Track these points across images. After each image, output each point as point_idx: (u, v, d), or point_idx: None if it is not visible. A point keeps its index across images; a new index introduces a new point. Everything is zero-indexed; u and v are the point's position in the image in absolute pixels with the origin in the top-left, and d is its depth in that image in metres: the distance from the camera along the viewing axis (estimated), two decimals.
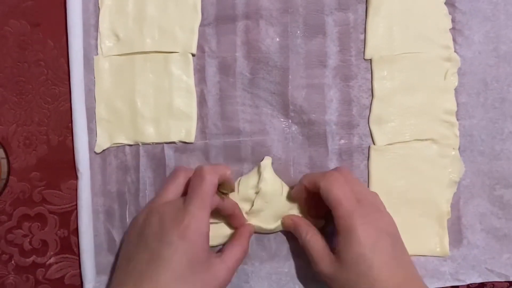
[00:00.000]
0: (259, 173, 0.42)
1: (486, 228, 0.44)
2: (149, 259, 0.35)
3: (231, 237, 0.42)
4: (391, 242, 0.37)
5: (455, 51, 0.45)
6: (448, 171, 0.44)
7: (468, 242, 0.44)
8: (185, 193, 0.39)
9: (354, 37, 0.45)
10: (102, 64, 0.44)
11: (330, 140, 0.44)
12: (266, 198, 0.41)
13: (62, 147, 0.44)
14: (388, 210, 0.43)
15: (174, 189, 0.39)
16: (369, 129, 0.44)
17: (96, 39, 0.44)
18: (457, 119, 0.44)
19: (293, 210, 0.42)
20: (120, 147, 0.44)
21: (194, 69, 0.44)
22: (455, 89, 0.45)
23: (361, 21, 0.45)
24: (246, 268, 0.44)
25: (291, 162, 0.44)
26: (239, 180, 0.43)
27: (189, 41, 0.44)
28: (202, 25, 0.44)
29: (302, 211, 0.43)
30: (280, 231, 0.44)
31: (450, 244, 0.44)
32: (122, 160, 0.44)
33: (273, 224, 0.42)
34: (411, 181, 0.44)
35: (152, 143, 0.44)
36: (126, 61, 0.44)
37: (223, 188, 0.40)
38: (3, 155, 0.44)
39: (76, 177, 0.44)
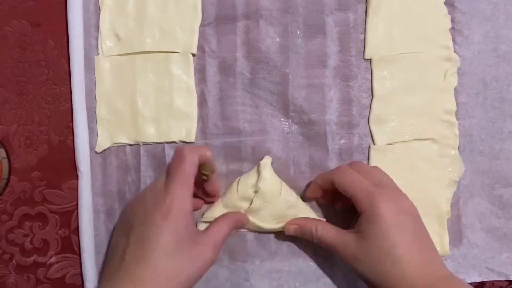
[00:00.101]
0: (259, 172, 0.42)
1: (486, 227, 0.44)
2: (136, 242, 0.36)
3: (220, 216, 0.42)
4: (413, 220, 0.38)
5: (454, 51, 0.45)
6: (448, 170, 0.44)
7: (468, 241, 0.44)
8: None
9: (354, 37, 0.45)
10: (103, 64, 0.44)
11: (330, 140, 0.44)
12: (265, 197, 0.41)
13: (63, 147, 0.44)
14: None
15: (159, 179, 0.39)
16: (369, 129, 0.45)
17: (97, 39, 0.44)
18: (457, 119, 0.45)
19: (292, 209, 0.42)
20: (121, 147, 0.44)
21: (195, 69, 0.44)
22: (455, 89, 0.45)
23: (361, 21, 0.45)
24: (246, 266, 0.44)
25: (291, 162, 0.44)
26: (239, 179, 0.43)
27: (190, 41, 0.44)
28: (202, 25, 0.44)
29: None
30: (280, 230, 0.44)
31: (450, 243, 0.44)
32: (122, 160, 0.44)
33: (272, 223, 0.43)
34: (411, 180, 0.44)
35: (153, 142, 0.44)
36: (127, 61, 0.44)
37: (204, 169, 0.40)
38: (4, 155, 0.44)
39: (76, 177, 0.44)
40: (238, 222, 0.41)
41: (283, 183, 0.43)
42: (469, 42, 0.45)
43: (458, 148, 0.45)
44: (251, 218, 0.42)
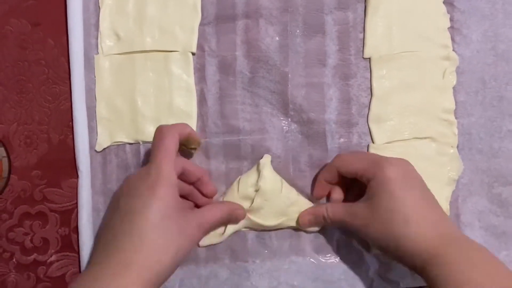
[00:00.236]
0: (259, 171, 0.42)
1: (485, 225, 0.45)
2: (123, 216, 0.36)
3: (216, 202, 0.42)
4: (419, 183, 0.38)
5: (453, 50, 0.45)
6: (447, 169, 0.44)
7: None
8: None
9: (353, 36, 0.45)
10: (103, 63, 0.44)
11: (329, 139, 0.45)
12: (265, 196, 0.42)
13: (63, 145, 0.44)
14: None
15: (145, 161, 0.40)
16: (368, 127, 0.45)
17: (97, 38, 0.45)
18: (456, 118, 0.45)
19: (293, 206, 0.43)
20: (121, 146, 0.45)
21: (194, 68, 0.44)
22: (454, 88, 0.45)
23: (360, 20, 0.45)
24: (247, 265, 0.44)
25: (290, 161, 0.45)
26: (239, 179, 0.43)
27: (189, 40, 0.44)
28: (202, 24, 0.44)
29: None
30: (281, 228, 0.44)
31: None
32: (122, 159, 0.44)
33: (273, 221, 0.43)
34: None
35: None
36: (127, 60, 0.44)
37: (189, 143, 0.41)
38: (4, 153, 0.44)
39: (76, 176, 0.44)
40: (233, 214, 0.41)
41: (283, 181, 0.43)
42: (468, 41, 0.45)
43: (457, 146, 0.45)
44: (252, 217, 0.42)
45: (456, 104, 0.45)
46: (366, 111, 0.45)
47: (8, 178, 0.44)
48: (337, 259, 0.44)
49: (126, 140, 0.44)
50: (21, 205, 0.44)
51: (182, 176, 0.40)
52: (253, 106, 0.45)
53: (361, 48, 0.45)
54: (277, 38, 0.45)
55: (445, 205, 0.44)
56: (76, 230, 0.44)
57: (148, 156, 0.44)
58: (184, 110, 0.44)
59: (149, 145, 0.44)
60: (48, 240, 0.44)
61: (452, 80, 0.45)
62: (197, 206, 0.42)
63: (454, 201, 0.45)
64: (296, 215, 0.43)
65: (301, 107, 0.44)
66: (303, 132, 0.45)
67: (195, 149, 0.42)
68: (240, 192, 0.42)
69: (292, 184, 0.44)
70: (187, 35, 0.44)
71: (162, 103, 0.44)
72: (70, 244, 0.44)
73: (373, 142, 0.44)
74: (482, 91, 0.45)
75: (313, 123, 0.45)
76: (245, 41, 0.44)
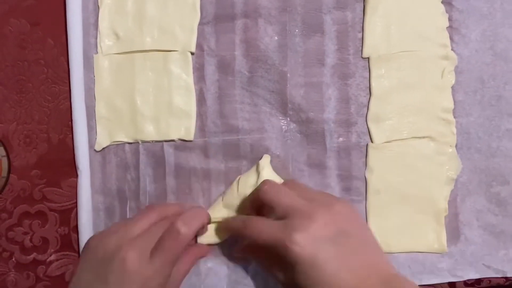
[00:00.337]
0: (258, 171, 0.42)
1: (483, 224, 0.45)
2: None
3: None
4: (334, 243, 0.35)
5: (452, 50, 0.45)
6: (445, 168, 0.44)
7: (466, 238, 0.45)
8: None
9: (352, 35, 0.45)
10: (102, 63, 0.44)
11: (328, 138, 0.45)
12: None
13: (62, 145, 0.45)
14: (386, 207, 0.44)
15: (143, 225, 0.37)
16: (367, 127, 0.45)
17: (96, 38, 0.45)
18: (454, 117, 0.45)
19: None
20: (120, 145, 0.45)
21: (193, 68, 0.45)
22: (452, 87, 0.45)
23: (359, 20, 0.45)
24: (249, 263, 0.44)
25: (289, 160, 0.45)
26: (238, 179, 0.43)
27: (188, 39, 0.44)
28: (201, 23, 0.45)
29: None
30: None
31: (447, 240, 0.44)
32: (122, 158, 0.45)
33: None
34: (408, 178, 0.44)
35: (152, 141, 0.44)
36: (126, 60, 0.45)
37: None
38: (4, 153, 0.44)
39: (76, 175, 0.44)
40: (199, 256, 0.42)
41: (283, 181, 0.43)
42: (467, 41, 0.45)
43: (456, 146, 0.45)
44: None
45: (454, 104, 0.45)
46: (365, 110, 0.45)
47: (8, 177, 0.44)
48: None
49: (125, 140, 0.44)
50: (21, 204, 0.44)
51: None
52: (252, 105, 0.45)
53: (360, 48, 0.45)
54: (276, 37, 0.45)
55: (443, 204, 0.44)
56: (75, 229, 0.44)
57: (147, 156, 0.44)
58: (183, 109, 0.44)
59: (148, 145, 0.44)
60: (48, 240, 0.44)
61: (451, 79, 0.45)
62: None
63: (452, 200, 0.45)
64: None
65: (300, 107, 0.45)
66: (302, 131, 0.45)
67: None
68: (240, 192, 0.42)
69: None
70: (186, 34, 0.44)
71: (162, 102, 0.44)
72: (70, 243, 0.44)
73: (372, 142, 0.45)
74: (481, 90, 0.45)
75: (312, 123, 0.45)
76: (244, 40, 0.45)
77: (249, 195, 0.41)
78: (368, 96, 0.45)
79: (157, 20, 0.44)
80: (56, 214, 0.44)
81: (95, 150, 0.44)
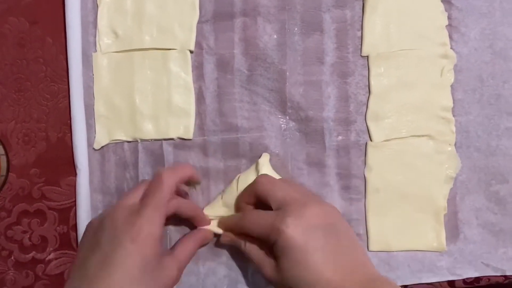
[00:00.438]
0: (257, 170, 0.42)
1: (482, 223, 0.45)
2: (102, 261, 0.35)
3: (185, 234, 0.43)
4: (324, 235, 0.36)
5: (451, 48, 0.45)
6: (445, 167, 0.44)
7: (465, 237, 0.45)
8: None
9: (351, 34, 0.45)
10: (101, 61, 0.44)
11: (327, 137, 0.45)
12: None
13: (61, 143, 0.44)
14: (385, 206, 0.44)
15: (133, 196, 0.38)
16: (366, 125, 0.45)
17: (95, 36, 0.45)
18: (453, 116, 0.45)
19: None
20: (119, 144, 0.45)
21: (192, 66, 0.45)
22: (451, 86, 0.45)
23: (358, 18, 0.45)
24: (245, 262, 0.44)
25: (288, 159, 0.45)
26: (238, 177, 0.43)
27: (187, 38, 0.44)
28: (200, 22, 0.44)
29: None
30: None
31: (446, 239, 0.44)
32: (121, 157, 0.45)
33: None
34: (408, 177, 0.44)
35: (151, 139, 0.44)
36: (125, 58, 0.44)
37: (190, 184, 0.41)
38: (3, 151, 0.44)
39: (75, 174, 0.44)
40: (204, 240, 0.42)
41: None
42: (466, 39, 0.45)
43: (455, 144, 0.45)
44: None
45: (454, 102, 0.45)
46: (364, 109, 0.45)
47: (7, 176, 0.44)
48: None
49: (124, 138, 0.44)
50: (20, 203, 0.44)
51: (176, 214, 0.40)
52: (251, 104, 0.45)
53: (359, 46, 0.45)
54: (275, 36, 0.45)
55: (442, 203, 0.44)
56: (74, 228, 0.44)
57: (146, 155, 0.44)
58: (182, 108, 0.44)
59: (147, 143, 0.44)
60: (47, 238, 0.44)
61: (450, 78, 0.45)
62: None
63: (452, 199, 0.45)
64: None
65: (299, 105, 0.45)
66: (301, 130, 0.45)
67: (194, 188, 0.43)
68: (239, 191, 0.42)
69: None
70: (185, 33, 0.44)
71: (160, 101, 0.44)
72: (69, 242, 0.44)
73: (371, 140, 0.45)
74: (480, 89, 0.45)
75: (311, 121, 0.45)
76: (243, 39, 0.45)
77: (245, 188, 0.41)
78: (368, 94, 0.45)
79: (156, 18, 0.44)
80: (55, 213, 0.44)
81: (94, 148, 0.44)
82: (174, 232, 0.44)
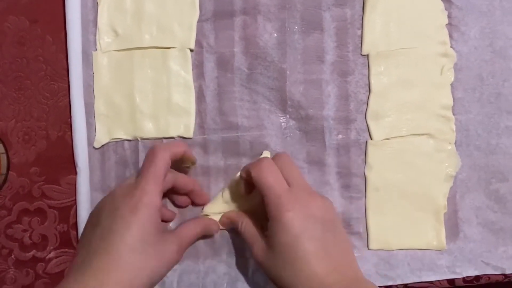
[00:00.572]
0: None
1: (482, 221, 0.45)
2: (102, 235, 0.35)
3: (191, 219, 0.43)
4: (321, 229, 0.37)
5: (451, 47, 0.45)
6: (445, 165, 0.44)
7: (465, 235, 0.45)
8: None
9: (351, 32, 0.45)
10: (101, 60, 0.44)
11: (327, 135, 0.45)
12: None
13: (61, 142, 0.44)
14: (385, 204, 0.44)
15: (130, 178, 0.39)
16: (366, 124, 0.45)
17: (95, 35, 0.45)
18: (453, 114, 0.45)
19: None
20: (119, 142, 0.45)
21: (193, 65, 0.45)
22: (451, 84, 0.45)
23: (358, 17, 0.45)
24: (245, 260, 0.44)
25: None
26: (239, 175, 0.43)
27: (187, 36, 0.44)
28: (200, 20, 0.44)
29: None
30: None
31: (446, 237, 0.44)
32: (121, 155, 0.45)
33: None
34: (408, 175, 0.44)
35: (151, 138, 0.44)
36: (125, 57, 0.44)
37: (184, 162, 0.41)
38: (3, 150, 0.44)
39: (75, 172, 0.44)
40: (208, 228, 0.42)
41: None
42: (466, 38, 0.45)
43: (455, 143, 0.45)
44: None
45: (454, 101, 0.45)
46: (364, 107, 0.45)
47: (7, 174, 0.44)
48: None
49: (124, 137, 0.44)
50: (20, 201, 0.44)
51: (174, 189, 0.41)
52: (251, 102, 0.45)
53: (359, 45, 0.45)
54: (275, 34, 0.45)
55: (442, 201, 0.44)
56: (74, 226, 0.44)
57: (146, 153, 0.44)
58: (182, 106, 0.44)
59: (148, 142, 0.44)
60: (47, 237, 0.44)
61: (450, 76, 0.45)
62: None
63: (452, 197, 0.45)
64: None
65: (299, 104, 0.45)
66: (301, 128, 0.45)
67: (189, 167, 0.43)
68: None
69: None
70: (185, 31, 0.44)
71: (161, 99, 0.44)
72: (69, 240, 0.44)
73: (371, 139, 0.45)
74: (480, 87, 0.45)
75: (311, 120, 0.45)
76: (243, 37, 0.45)
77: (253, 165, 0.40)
78: (368, 93, 0.45)
79: (156, 17, 0.44)
80: (55, 211, 0.44)
81: (94, 147, 0.44)
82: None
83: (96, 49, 0.45)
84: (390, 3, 0.45)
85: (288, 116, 0.45)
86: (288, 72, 0.45)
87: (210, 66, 0.45)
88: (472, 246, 0.44)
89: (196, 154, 0.44)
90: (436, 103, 0.45)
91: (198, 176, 0.44)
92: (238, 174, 0.43)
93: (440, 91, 0.45)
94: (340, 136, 0.45)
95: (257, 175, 0.38)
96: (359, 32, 0.45)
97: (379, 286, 0.43)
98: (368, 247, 0.44)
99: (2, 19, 0.45)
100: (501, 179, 0.45)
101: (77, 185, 0.44)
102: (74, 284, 0.34)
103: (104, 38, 0.44)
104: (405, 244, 0.44)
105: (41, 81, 0.45)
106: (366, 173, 0.45)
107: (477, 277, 0.45)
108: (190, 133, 0.44)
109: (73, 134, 0.44)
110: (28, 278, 0.44)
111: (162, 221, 0.42)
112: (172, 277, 0.43)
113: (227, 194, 0.43)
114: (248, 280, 0.44)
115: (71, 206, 0.44)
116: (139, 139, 0.44)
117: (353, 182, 0.45)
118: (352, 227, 0.44)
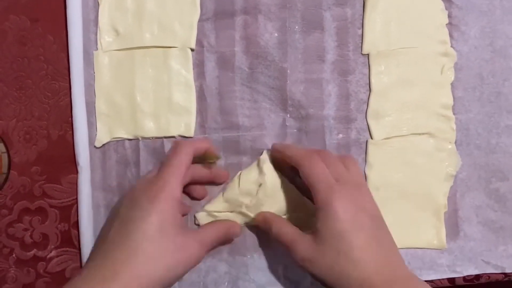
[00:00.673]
0: (260, 167, 0.43)
1: (483, 220, 0.45)
2: (120, 225, 0.36)
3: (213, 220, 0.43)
4: (370, 220, 0.37)
5: (451, 46, 0.45)
6: (445, 164, 0.45)
7: (465, 234, 0.45)
8: None
9: (352, 32, 0.45)
10: (102, 59, 0.44)
11: (328, 135, 0.45)
12: (267, 192, 0.42)
13: (62, 141, 0.45)
14: (385, 203, 0.44)
15: (151, 172, 0.40)
16: (367, 123, 0.45)
17: (96, 34, 0.45)
18: (454, 113, 0.45)
19: (292, 203, 0.43)
20: (120, 142, 0.45)
21: (193, 64, 0.45)
22: (452, 84, 0.45)
23: (359, 16, 0.45)
24: (246, 260, 0.44)
25: None
26: (240, 174, 0.43)
27: (188, 36, 0.44)
28: (201, 20, 0.45)
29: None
30: None
31: (447, 236, 0.44)
32: (122, 155, 0.45)
33: None
34: (408, 174, 0.44)
35: (152, 137, 0.44)
36: (126, 56, 0.45)
37: (208, 158, 0.41)
38: (4, 149, 0.44)
39: (76, 172, 0.44)
40: (231, 230, 0.41)
41: (283, 177, 0.43)
42: (466, 37, 0.45)
43: (455, 142, 0.45)
44: (253, 215, 0.42)
45: (454, 100, 0.45)
46: (364, 107, 0.45)
47: (8, 173, 0.44)
48: None
49: (125, 136, 0.44)
50: (21, 200, 0.44)
51: (192, 182, 0.41)
52: (252, 102, 0.45)
53: (360, 44, 0.45)
54: (276, 34, 0.45)
55: (443, 201, 0.44)
56: (75, 225, 0.44)
57: (147, 153, 0.44)
58: (183, 106, 0.44)
59: (149, 141, 0.44)
60: (48, 236, 0.44)
61: (450, 76, 0.45)
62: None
63: (452, 196, 0.45)
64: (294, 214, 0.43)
65: (299, 103, 0.45)
66: (301, 128, 0.45)
67: (213, 163, 0.42)
68: (241, 188, 0.42)
69: (291, 180, 0.44)
70: (186, 31, 0.44)
71: (161, 99, 0.44)
72: (70, 239, 0.44)
73: (371, 138, 0.45)
74: (480, 87, 0.45)
75: (312, 119, 0.45)
76: (244, 37, 0.45)
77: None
78: (368, 92, 0.45)
79: (156, 16, 0.44)
80: (56, 211, 0.44)
81: (95, 146, 0.44)
82: None
83: (97, 49, 0.45)
84: (390, 3, 0.45)
85: (288, 115, 0.45)
86: (288, 71, 0.45)
87: (211, 65, 0.45)
88: (472, 245, 0.45)
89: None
90: (436, 102, 0.45)
91: None
92: (239, 174, 0.43)
93: (440, 91, 0.45)
94: (340, 135, 0.45)
95: (308, 168, 0.38)
96: (359, 31, 0.45)
97: None
98: None
99: (3, 18, 0.45)
100: (501, 178, 0.45)
101: (78, 184, 0.44)
102: (91, 271, 0.34)
103: (105, 38, 0.44)
104: (405, 243, 0.44)
105: (42, 81, 0.45)
106: (366, 172, 0.45)
107: (477, 276, 0.45)
108: (191, 132, 0.44)
109: (74, 134, 0.44)
110: (29, 277, 0.44)
111: None
112: None
113: (227, 193, 0.43)
114: (249, 278, 0.44)
115: (72, 205, 0.44)
116: (140, 138, 0.44)
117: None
118: None
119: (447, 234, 0.44)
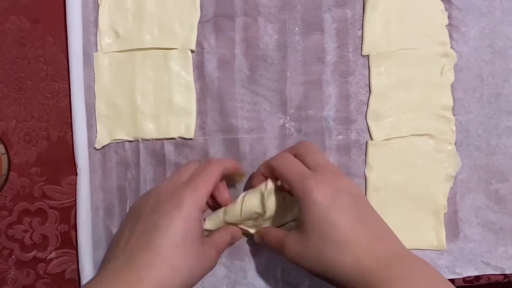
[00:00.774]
0: (262, 194, 0.40)
1: (482, 222, 0.45)
2: (144, 228, 0.35)
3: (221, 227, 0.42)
4: (353, 201, 0.35)
5: (451, 47, 0.45)
6: (445, 165, 0.45)
7: (465, 235, 0.45)
8: None
9: (351, 33, 0.45)
10: (102, 61, 0.44)
11: (327, 136, 0.45)
12: (268, 215, 0.40)
13: (62, 143, 0.44)
14: (385, 204, 0.44)
15: (179, 177, 0.39)
16: (367, 124, 0.45)
17: (96, 36, 0.45)
18: (454, 115, 0.45)
19: (291, 216, 0.42)
20: (120, 143, 0.45)
21: (193, 65, 0.45)
22: (452, 85, 0.45)
23: (359, 18, 0.45)
24: (244, 264, 0.44)
25: None
26: (243, 199, 0.40)
27: (188, 37, 0.44)
28: (201, 21, 0.45)
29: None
30: None
31: (446, 237, 0.44)
32: (122, 156, 0.45)
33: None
34: (408, 176, 0.44)
35: (152, 139, 0.44)
36: (126, 58, 0.44)
37: (236, 176, 0.43)
38: (3, 150, 0.44)
39: (76, 173, 0.44)
40: (235, 235, 0.42)
41: (286, 194, 0.41)
42: (466, 38, 0.45)
43: (455, 143, 0.45)
44: (253, 231, 0.42)
45: (454, 101, 0.45)
46: (364, 108, 0.45)
47: (7, 175, 0.44)
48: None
49: (125, 138, 0.44)
50: (21, 202, 0.44)
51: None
52: (251, 104, 0.45)
53: (360, 45, 0.45)
54: (275, 36, 0.45)
55: (442, 202, 0.44)
56: (75, 227, 0.44)
57: (147, 154, 0.44)
58: (183, 107, 0.44)
59: (149, 143, 0.44)
60: (48, 237, 0.44)
61: (450, 77, 0.45)
62: None
63: (452, 198, 0.45)
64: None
65: (299, 105, 0.45)
66: (301, 129, 0.45)
67: (239, 180, 0.44)
68: (243, 215, 0.40)
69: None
70: (186, 32, 0.44)
71: (161, 100, 0.44)
72: (70, 241, 0.44)
73: (371, 139, 0.45)
74: (480, 88, 0.45)
75: (312, 120, 0.45)
76: (244, 39, 0.45)
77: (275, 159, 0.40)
78: (368, 93, 0.45)
79: (157, 17, 0.44)
80: (56, 212, 0.44)
81: (95, 148, 0.44)
82: None
83: (97, 50, 0.45)
84: (390, 4, 0.45)
85: (288, 117, 0.45)
86: (288, 73, 0.45)
87: (210, 67, 0.45)
88: (472, 246, 0.45)
89: (197, 155, 0.44)
90: (436, 103, 0.45)
91: None
92: (242, 197, 0.40)
93: (440, 92, 0.45)
94: (340, 136, 0.45)
95: (279, 165, 0.38)
96: (359, 32, 0.45)
97: None
98: None
99: (2, 19, 0.45)
100: (501, 179, 0.45)
101: (77, 186, 0.44)
102: (111, 274, 0.34)
103: (105, 39, 0.44)
104: (405, 244, 0.43)
105: (41, 82, 0.45)
106: (366, 174, 0.45)
107: (477, 277, 0.45)
108: (191, 134, 0.44)
109: (73, 135, 0.44)
110: (28, 279, 0.44)
111: None
112: None
113: (229, 216, 0.41)
114: (247, 283, 0.44)
115: (72, 207, 0.44)
116: (140, 140, 0.44)
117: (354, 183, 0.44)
118: None
119: (447, 235, 0.44)
